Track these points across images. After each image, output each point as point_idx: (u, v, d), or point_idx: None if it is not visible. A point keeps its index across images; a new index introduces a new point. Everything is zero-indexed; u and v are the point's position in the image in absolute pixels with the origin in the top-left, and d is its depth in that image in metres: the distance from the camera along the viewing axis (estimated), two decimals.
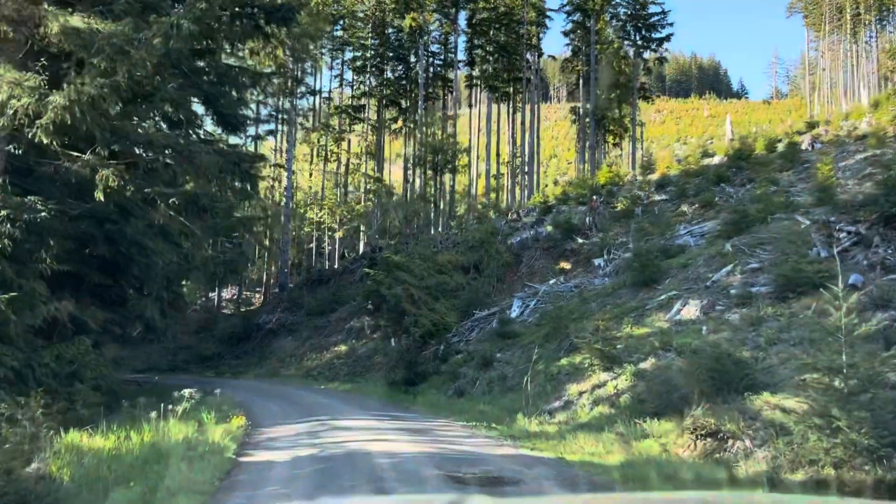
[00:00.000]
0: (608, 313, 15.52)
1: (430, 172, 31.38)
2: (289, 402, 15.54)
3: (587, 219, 25.90)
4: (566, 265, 24.35)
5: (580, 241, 24.81)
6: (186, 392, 10.29)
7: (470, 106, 43.74)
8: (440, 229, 31.55)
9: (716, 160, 31.55)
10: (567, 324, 15.72)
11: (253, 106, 41.64)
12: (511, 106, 49.26)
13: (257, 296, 42.98)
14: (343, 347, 26.86)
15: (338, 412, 13.46)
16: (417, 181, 35.37)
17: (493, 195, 35.80)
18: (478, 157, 46.36)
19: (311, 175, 44.90)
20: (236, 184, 19.31)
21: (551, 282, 22.13)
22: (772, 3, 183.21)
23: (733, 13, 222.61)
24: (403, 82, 45.58)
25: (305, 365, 26.47)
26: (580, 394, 12.49)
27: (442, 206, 33.80)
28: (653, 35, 49.02)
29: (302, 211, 43.40)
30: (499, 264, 26.24)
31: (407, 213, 30.92)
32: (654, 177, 32.31)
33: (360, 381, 22.74)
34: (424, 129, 32.03)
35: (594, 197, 28.56)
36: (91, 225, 13.97)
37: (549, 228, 27.21)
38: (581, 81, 49.89)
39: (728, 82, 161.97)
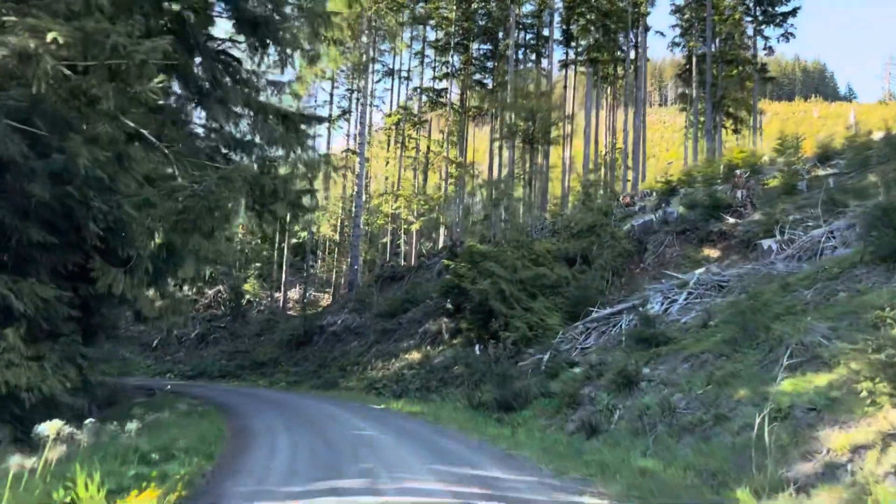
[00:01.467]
0: (845, 304, 9.09)
1: (520, 148, 25.47)
2: (322, 435, 9.91)
3: (738, 193, 19.21)
4: (712, 252, 17.80)
5: (731, 220, 18.20)
6: (46, 427, 4.79)
7: (564, 87, 37.51)
8: (535, 213, 25.53)
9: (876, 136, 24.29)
10: (765, 323, 9.40)
11: (326, 85, 37.17)
12: (612, 90, 42.76)
13: (326, 296, 38.18)
14: (415, 355, 21.22)
15: (391, 462, 7.66)
16: (506, 154, 29.49)
17: (592, 175, 29.64)
18: (571, 147, 40.05)
19: (387, 163, 39.87)
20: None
21: (699, 272, 15.66)
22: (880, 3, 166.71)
23: (839, 14, 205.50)
24: (490, 63, 40.03)
25: (369, 376, 20.99)
26: (855, 449, 6.23)
27: (534, 193, 28.00)
28: (776, 9, 41.63)
29: (376, 203, 38.36)
30: (614, 253, 19.94)
31: (496, 195, 25.10)
32: (804, 155, 25.34)
33: (434, 399, 16.99)
34: (515, 88, 26.23)
35: (737, 172, 21.81)
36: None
37: (681, 209, 20.69)
38: (694, 61, 42.95)
39: (834, 85, 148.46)
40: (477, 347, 20.03)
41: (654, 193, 26.29)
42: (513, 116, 23.81)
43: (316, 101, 34.18)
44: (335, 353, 25.78)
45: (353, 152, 35.67)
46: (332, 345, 27.03)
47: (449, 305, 22.72)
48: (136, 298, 11.46)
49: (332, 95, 35.71)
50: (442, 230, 35.70)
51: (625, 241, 20.15)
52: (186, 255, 12.47)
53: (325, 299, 37.54)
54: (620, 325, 14.43)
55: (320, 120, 21.04)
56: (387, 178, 39.86)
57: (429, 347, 21.55)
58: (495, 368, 17.15)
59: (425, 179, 38.49)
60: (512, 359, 18.01)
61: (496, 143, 32.92)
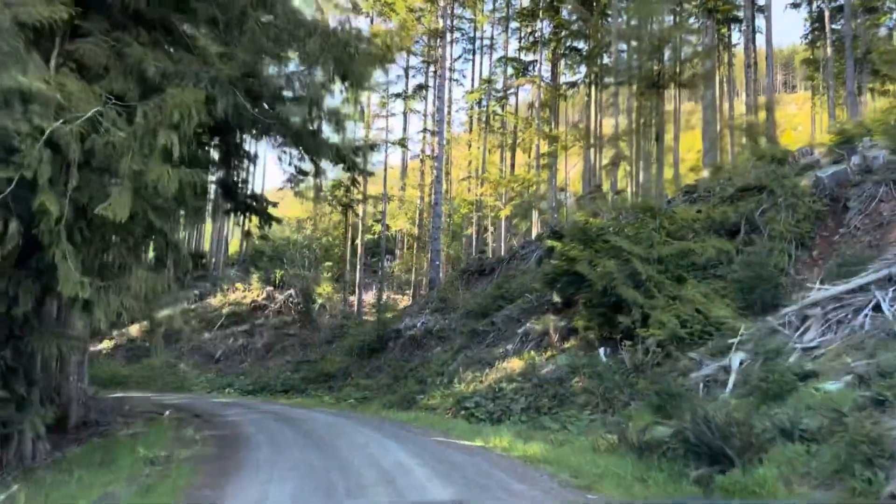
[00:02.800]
0: None
1: (638, 97, 19.59)
2: None
3: None
4: None
5: None
6: None
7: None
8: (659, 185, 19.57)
9: None
10: None
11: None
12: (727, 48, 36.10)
13: (404, 298, 33.43)
14: (515, 363, 15.86)
15: None
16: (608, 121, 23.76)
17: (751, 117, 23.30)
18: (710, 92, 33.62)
19: (469, 146, 34.81)
20: None
21: None
22: None
23: None
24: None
25: (456, 390, 15.78)
26: None
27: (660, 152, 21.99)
28: None
29: (458, 191, 33.35)
30: (797, 217, 13.90)
31: (609, 159, 19.29)
32: None
33: (551, 426, 11.62)
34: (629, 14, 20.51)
35: None
36: None
37: (888, 153, 14.40)
38: (826, 15, 35.72)
39: None
40: (602, 352, 14.48)
41: (817, 151, 19.88)
42: (628, 50, 18.28)
43: (387, 77, 29.97)
44: (414, 362, 20.78)
45: (432, 132, 30.83)
46: (411, 351, 22.07)
47: (556, 299, 17.29)
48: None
49: (406, 70, 31.18)
50: (535, 217, 30.22)
51: (810, 199, 14.05)
52: None
53: (404, 301, 32.76)
54: (866, 310, 8.53)
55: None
56: (469, 163, 34.78)
57: (532, 353, 16.13)
58: (641, 382, 11.57)
59: (513, 161, 33.13)
60: (658, 366, 12.38)
61: (605, 96, 27.13)
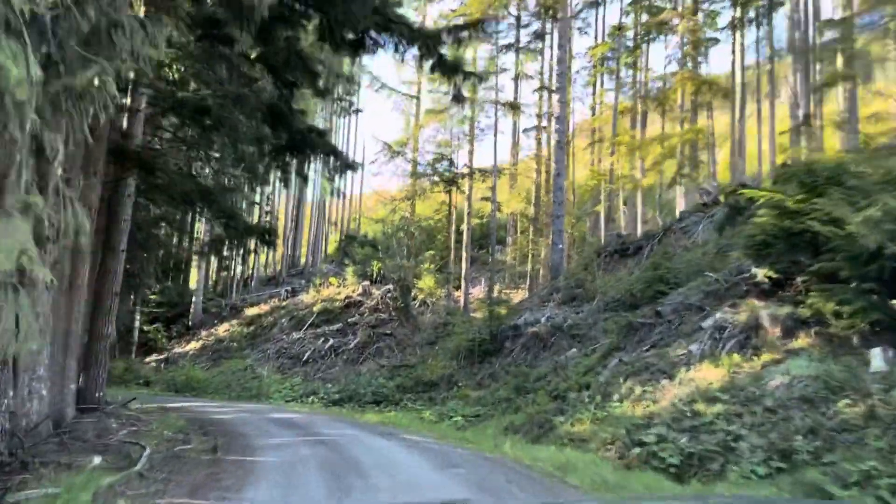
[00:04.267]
0: None
1: None
2: None
3: None
4: None
5: None
6: None
7: None
8: None
9: None
10: None
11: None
12: None
13: (518, 293, 28.03)
14: (710, 371, 10.12)
15: None
16: None
17: None
18: None
19: (592, 111, 28.94)
20: None
21: None
22: None
23: None
24: None
25: (617, 413, 10.27)
26: None
27: None
28: None
29: (580, 165, 27.60)
30: None
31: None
32: None
33: (839, 494, 5.91)
34: None
35: None
36: None
37: None
38: None
39: None
40: (877, 353, 8.53)
41: None
42: None
43: (497, 25, 24.76)
44: (541, 368, 15.37)
45: (550, 90, 25.35)
46: (535, 354, 16.71)
47: (763, 275, 11.41)
48: None
49: (518, 18, 25.89)
50: (679, 188, 23.92)
51: None
52: None
53: (518, 295, 27.35)
54: None
55: None
56: (594, 132, 28.85)
57: (736, 355, 10.31)
58: None
59: (644, 123, 26.91)
60: None
61: None
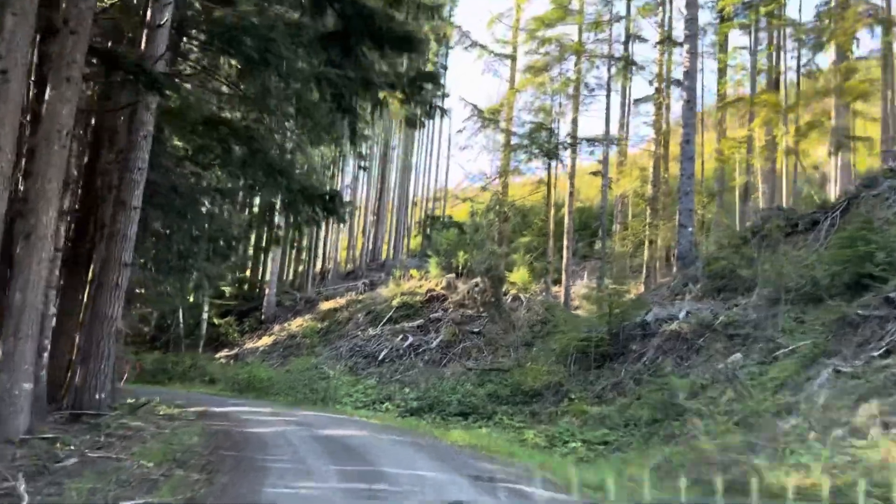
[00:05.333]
0: None
1: None
2: None
3: None
4: None
5: None
6: None
7: None
8: None
9: None
10: None
11: None
12: None
13: (633, 286, 23.40)
14: None
15: None
16: None
17: None
18: None
19: (722, 69, 23.89)
20: None
21: None
22: None
23: None
24: None
25: (866, 454, 6.05)
26: None
27: None
28: None
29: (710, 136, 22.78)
30: None
31: None
32: None
33: None
34: None
35: None
36: None
37: None
38: None
39: None
40: None
41: None
42: None
43: None
44: (690, 377, 11.08)
45: (674, 42, 20.79)
46: (677, 358, 12.39)
47: None
48: None
49: None
50: (833, 162, 18.72)
51: None
52: None
53: (633, 290, 22.68)
54: None
55: None
56: (721, 99, 23.80)
57: None
58: None
59: (776, 84, 21.69)
60: None
61: None
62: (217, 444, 7.94)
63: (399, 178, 39.98)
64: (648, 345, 13.40)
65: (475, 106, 20.39)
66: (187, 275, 16.97)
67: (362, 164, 39.72)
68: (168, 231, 14.52)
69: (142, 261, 16.80)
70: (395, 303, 26.62)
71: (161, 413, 11.92)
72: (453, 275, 28.12)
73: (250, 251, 30.57)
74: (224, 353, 27.98)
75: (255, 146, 10.66)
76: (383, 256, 39.18)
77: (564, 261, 22.80)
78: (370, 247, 38.40)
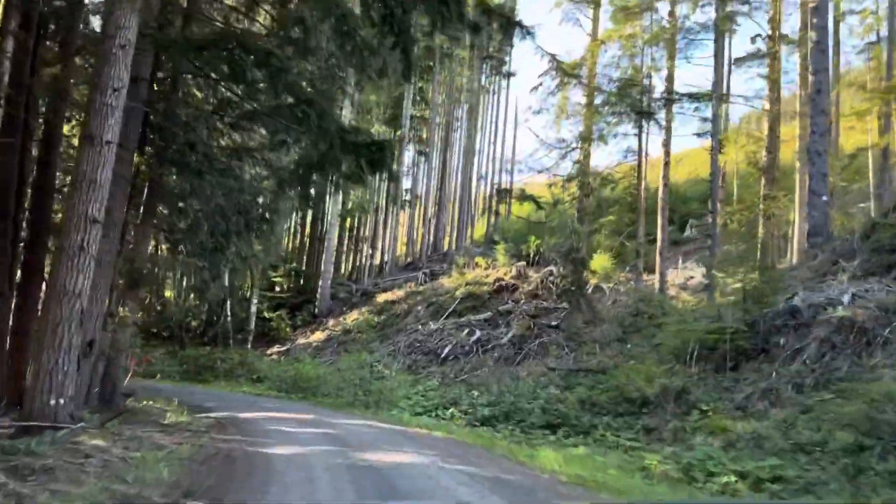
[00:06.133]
0: None
1: None
2: None
3: None
4: None
5: None
6: None
7: None
8: None
9: None
10: None
11: None
12: None
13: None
14: None
15: None
16: None
17: None
18: None
19: None
20: None
21: None
22: None
23: None
24: None
25: None
26: None
27: None
28: None
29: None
30: None
31: None
32: None
33: None
34: None
35: None
36: None
37: None
38: None
39: None
40: None
41: None
42: None
43: None
44: (883, 380, 7.57)
45: None
46: (851, 356, 8.84)
47: None
48: None
49: None
50: None
51: None
52: None
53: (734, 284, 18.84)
54: None
55: None
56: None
57: None
58: None
59: None
60: None
61: None
62: (193, 482, 5.07)
63: (462, 162, 36.91)
64: (805, 338, 9.84)
65: (554, 57, 17.09)
66: (219, 255, 14.38)
67: (422, 148, 36.97)
68: (184, 200, 12.00)
69: (169, 237, 14.46)
70: (459, 293, 23.63)
71: (166, 422, 9.29)
72: (524, 263, 24.89)
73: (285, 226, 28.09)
74: (275, 349, 25.67)
75: (275, 64, 7.81)
76: (445, 247, 36.24)
77: (659, 243, 19.20)
78: (431, 238, 35.51)
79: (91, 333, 9.51)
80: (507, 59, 40.62)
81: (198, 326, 28.08)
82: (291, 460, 6.46)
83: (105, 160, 7.01)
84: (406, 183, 37.41)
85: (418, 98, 35.18)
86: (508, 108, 40.55)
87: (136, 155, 10.59)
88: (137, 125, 10.02)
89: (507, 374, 16.58)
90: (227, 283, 27.62)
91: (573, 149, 18.79)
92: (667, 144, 20.04)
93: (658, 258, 19.40)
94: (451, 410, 14.08)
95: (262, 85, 8.86)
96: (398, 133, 33.15)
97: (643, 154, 19.50)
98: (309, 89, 9.26)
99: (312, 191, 11.01)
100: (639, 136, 19.57)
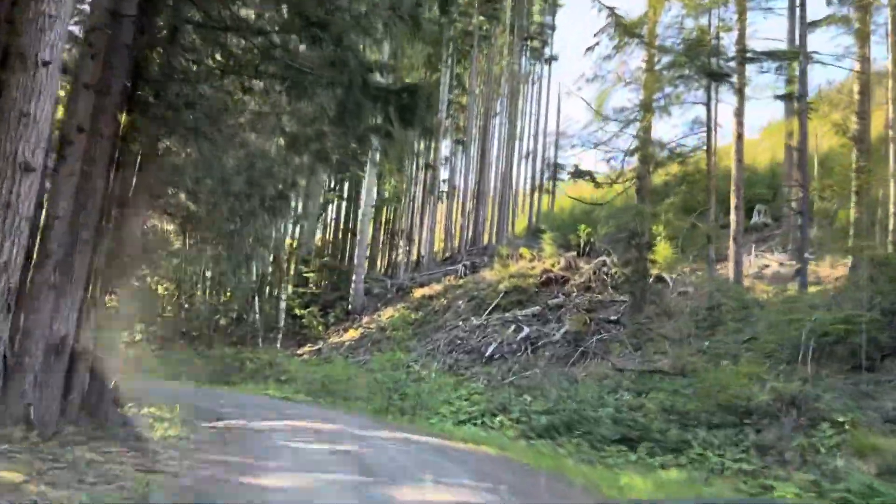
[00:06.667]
0: None
1: None
2: None
3: None
4: None
5: None
6: None
7: None
8: None
9: None
10: None
11: None
12: None
13: (835, 265, 16.92)
14: None
15: None
16: None
17: None
18: None
19: None
20: None
21: None
22: None
23: None
24: None
25: None
26: None
27: None
28: None
29: None
30: None
31: None
32: None
33: None
34: None
35: None
36: None
37: None
38: None
39: None
40: None
41: None
42: None
43: None
44: None
45: None
46: None
47: None
48: None
49: None
50: None
51: None
52: None
53: (836, 270, 16.16)
54: None
55: None
56: None
57: None
58: None
59: None
60: None
61: None
62: None
63: (504, 150, 34.73)
64: None
65: (612, 10, 14.84)
66: (236, 237, 12.57)
67: (460, 137, 34.94)
68: (186, 171, 10.22)
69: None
70: (502, 287, 21.51)
71: (150, 436, 7.46)
72: (573, 253, 22.67)
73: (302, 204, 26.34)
74: (307, 348, 23.95)
75: None
76: (484, 241, 34.09)
77: (733, 226, 16.74)
78: (469, 233, 33.40)
79: (64, 328, 7.76)
80: (548, 41, 38.37)
81: (227, 325, 26.55)
82: (288, 502, 4.47)
83: (42, 87, 5.16)
84: (443, 174, 35.36)
85: (454, 84, 33.19)
86: (551, 94, 38.10)
87: (122, 113, 8.83)
88: (122, 72, 8.21)
89: (562, 376, 14.40)
90: (254, 276, 26.17)
91: (632, 121, 16.47)
92: (739, 114, 17.58)
93: (732, 244, 16.93)
94: (499, 418, 12.00)
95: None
96: (434, 120, 31.21)
97: (713, 123, 17.09)
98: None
99: (335, 156, 8.98)
100: (707, 104, 17.15)
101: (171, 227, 15.06)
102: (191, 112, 9.23)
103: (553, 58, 38.24)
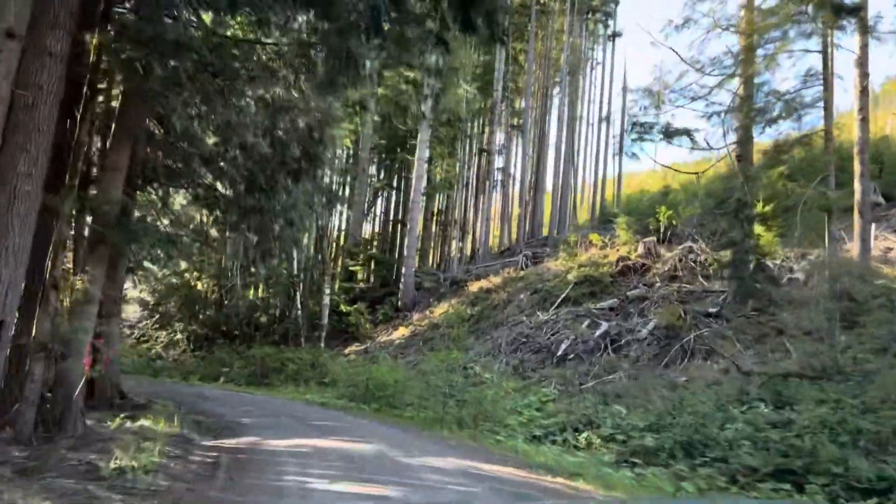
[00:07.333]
0: None
1: None
2: None
3: None
4: None
5: None
6: None
7: None
8: None
9: None
10: None
11: None
12: None
13: None
14: None
15: None
16: None
17: None
18: None
19: None
20: None
21: None
22: None
23: None
24: None
25: None
26: None
27: None
28: None
29: None
30: None
31: None
32: None
33: None
34: None
35: None
36: None
37: None
38: None
39: None
40: None
41: None
42: None
43: None
44: None
45: None
46: None
47: None
48: None
49: None
50: None
51: None
52: None
53: None
54: None
55: None
56: None
57: None
58: None
59: None
60: None
61: None
62: None
63: (566, 133, 31.84)
64: None
65: None
66: (267, 216, 10.33)
67: (516, 121, 32.23)
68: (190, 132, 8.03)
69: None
70: (571, 277, 18.75)
71: (113, 466, 5.19)
72: (653, 239, 19.72)
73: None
74: (353, 347, 21.78)
75: None
76: (544, 232, 31.28)
77: (858, 197, 13.55)
78: (527, 223, 30.70)
79: None
80: (612, 14, 35.27)
81: (268, 323, 24.68)
82: None
83: None
84: (498, 162, 32.71)
85: (510, 63, 30.55)
86: (615, 72, 35.07)
87: (90, 27, 6.65)
88: None
89: (656, 380, 11.61)
90: (294, 269, 24.21)
91: (732, 74, 13.52)
92: (862, 64, 14.34)
93: (858, 219, 13.74)
94: (585, 434, 9.35)
95: None
96: (489, 101, 28.66)
97: (831, 72, 13.93)
98: None
99: (363, 68, 6.54)
100: (823, 52, 14.03)
101: (193, 208, 13.12)
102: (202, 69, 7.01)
103: (617, 34, 35.11)
